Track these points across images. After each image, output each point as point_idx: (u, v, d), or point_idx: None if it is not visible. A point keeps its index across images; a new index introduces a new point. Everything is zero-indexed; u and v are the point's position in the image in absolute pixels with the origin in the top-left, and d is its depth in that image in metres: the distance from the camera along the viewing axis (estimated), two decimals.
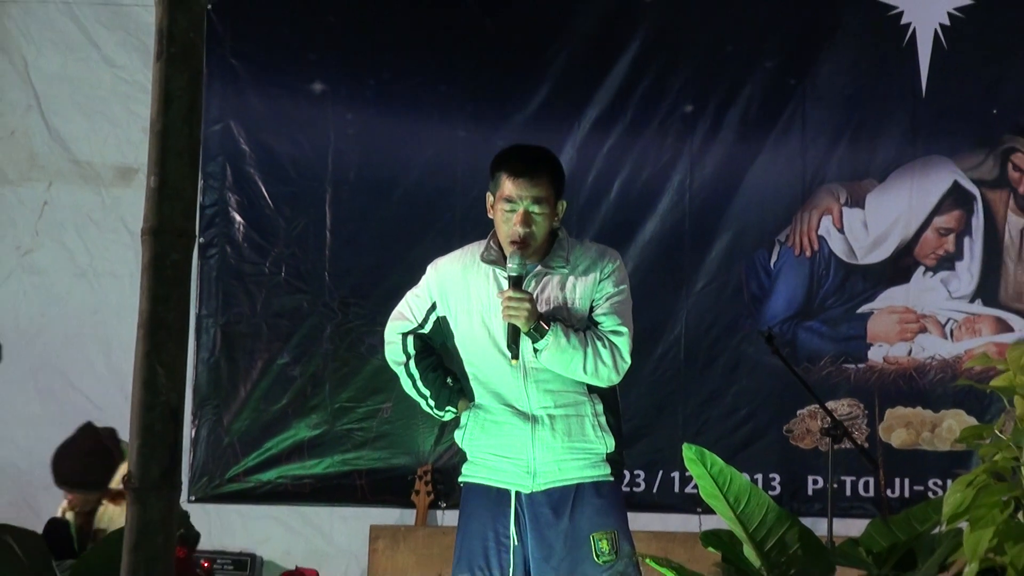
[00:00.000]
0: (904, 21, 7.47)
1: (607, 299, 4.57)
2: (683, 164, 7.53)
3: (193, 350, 7.39)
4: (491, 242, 4.61)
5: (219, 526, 7.42)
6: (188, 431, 7.43)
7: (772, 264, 7.49)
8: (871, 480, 7.31)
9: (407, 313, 4.73)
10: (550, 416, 4.57)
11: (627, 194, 7.53)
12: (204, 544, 6.65)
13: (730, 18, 7.55)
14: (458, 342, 4.66)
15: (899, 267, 7.46)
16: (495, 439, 4.62)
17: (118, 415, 6.32)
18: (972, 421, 7.21)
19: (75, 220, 7.66)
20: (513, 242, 4.51)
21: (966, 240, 7.44)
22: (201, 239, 7.48)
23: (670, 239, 7.50)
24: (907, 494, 7.30)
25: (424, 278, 4.73)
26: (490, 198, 4.60)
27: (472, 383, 4.66)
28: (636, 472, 7.36)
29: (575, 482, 4.59)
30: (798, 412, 7.40)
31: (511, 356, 4.49)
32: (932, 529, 3.58)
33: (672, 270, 7.49)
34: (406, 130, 7.59)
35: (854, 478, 7.34)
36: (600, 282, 4.58)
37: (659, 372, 7.42)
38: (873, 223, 7.48)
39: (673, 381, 7.44)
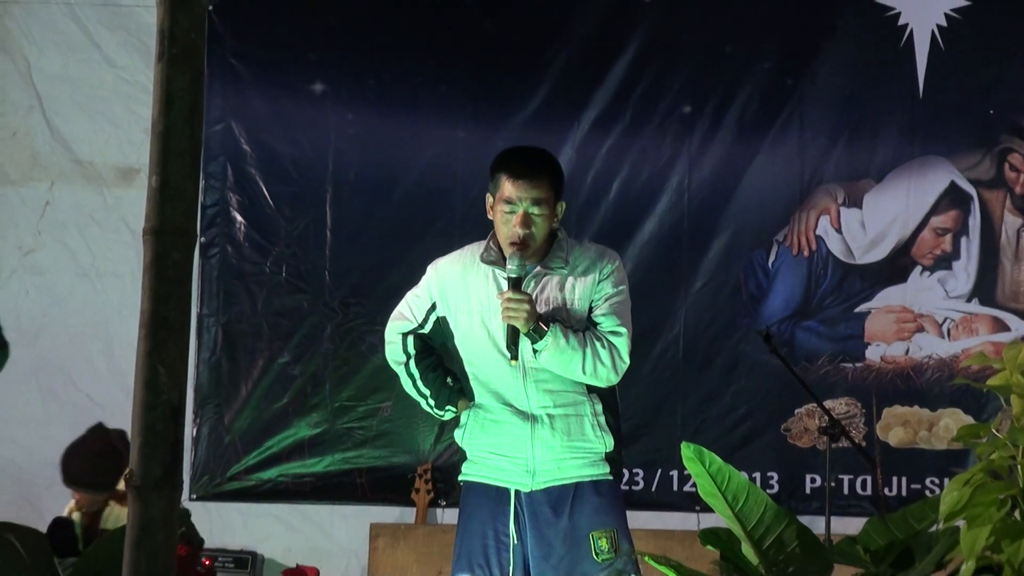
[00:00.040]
0: (901, 22, 7.47)
1: (606, 300, 4.57)
2: (682, 164, 7.53)
3: (194, 349, 7.39)
4: (491, 243, 4.62)
5: (220, 524, 7.42)
6: (189, 430, 7.44)
7: (770, 264, 7.49)
8: (869, 479, 7.31)
9: (407, 313, 4.74)
10: (549, 415, 4.57)
11: (626, 194, 7.53)
12: (205, 543, 6.65)
13: (728, 19, 7.55)
14: (458, 342, 4.67)
15: (896, 267, 7.46)
16: (495, 438, 4.62)
17: (120, 414, 6.32)
18: (969, 420, 7.22)
19: (77, 220, 7.66)
20: (513, 243, 4.51)
21: (963, 240, 7.44)
22: (202, 239, 7.49)
23: (669, 239, 7.51)
24: (904, 492, 7.30)
25: (424, 278, 4.73)
26: (490, 199, 4.60)
27: (472, 383, 4.66)
28: (635, 470, 7.36)
29: (574, 481, 4.59)
30: (796, 411, 7.40)
31: (510, 357, 4.50)
32: (929, 527, 3.58)
33: (671, 270, 7.49)
34: (406, 130, 7.59)
35: (852, 476, 7.34)
36: (599, 283, 4.58)
37: (658, 371, 7.42)
38: (871, 223, 7.48)
39: (672, 380, 7.45)
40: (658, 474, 7.41)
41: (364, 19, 7.64)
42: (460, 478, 4.75)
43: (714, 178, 7.52)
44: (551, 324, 4.47)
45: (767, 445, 7.40)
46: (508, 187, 4.53)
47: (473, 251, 4.67)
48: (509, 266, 4.49)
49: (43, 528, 5.31)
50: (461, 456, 4.76)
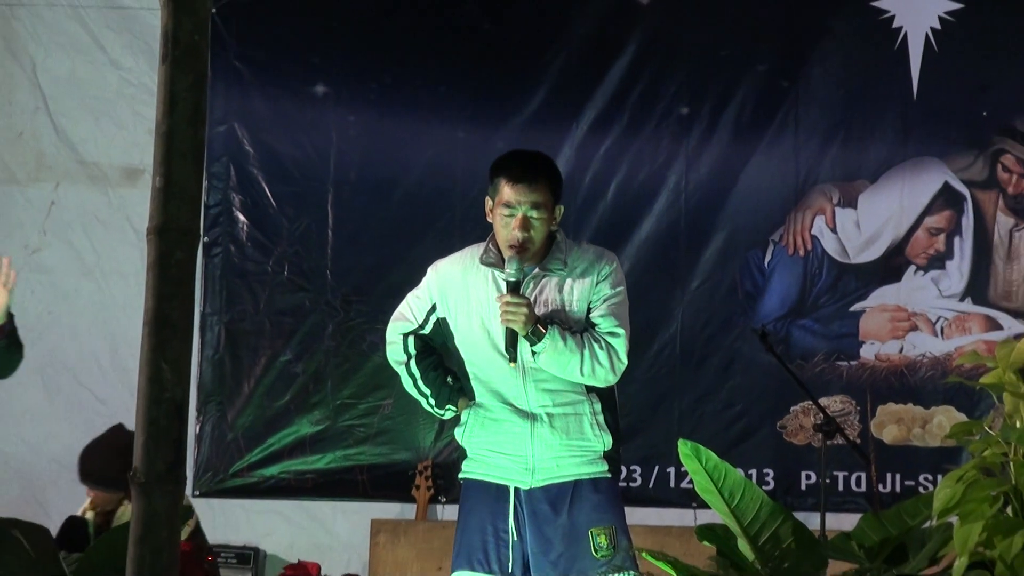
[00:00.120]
0: (895, 25, 7.47)
1: (604, 301, 4.57)
2: (679, 165, 7.53)
3: (197, 347, 7.39)
4: (490, 245, 4.61)
5: (223, 520, 7.42)
6: (193, 427, 7.43)
7: (766, 263, 7.49)
8: (863, 475, 7.32)
9: (408, 314, 4.73)
10: (549, 414, 4.57)
11: (624, 194, 7.53)
12: (208, 539, 6.65)
13: (725, 22, 7.55)
14: (458, 343, 4.66)
15: (891, 266, 7.46)
16: (495, 436, 4.62)
17: (124, 411, 6.32)
18: (962, 417, 7.22)
19: (82, 220, 7.66)
20: (512, 247, 4.51)
21: (956, 240, 7.44)
22: (205, 238, 7.48)
23: (666, 239, 7.51)
24: (898, 489, 7.30)
25: (424, 280, 4.73)
26: (489, 202, 4.59)
27: (472, 382, 4.66)
28: (632, 467, 7.36)
29: (573, 478, 4.59)
30: (791, 408, 7.40)
31: (509, 359, 4.50)
32: (923, 523, 3.59)
33: (668, 269, 7.49)
34: (407, 131, 7.59)
35: (846, 473, 7.34)
36: (597, 284, 4.57)
37: (655, 369, 7.42)
38: (865, 223, 7.48)
39: (669, 378, 7.45)
40: (655, 471, 7.41)
41: (365, 22, 7.64)
42: (460, 476, 4.74)
43: (711, 178, 7.52)
44: (549, 326, 4.47)
45: (763, 442, 7.40)
46: (507, 191, 4.53)
47: (473, 253, 4.66)
48: (507, 270, 4.48)
49: (48, 524, 5.32)
50: (461, 454, 4.76)
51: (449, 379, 4.69)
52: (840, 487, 7.32)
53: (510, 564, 4.56)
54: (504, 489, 4.60)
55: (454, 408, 4.69)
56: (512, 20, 7.64)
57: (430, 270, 4.73)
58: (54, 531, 5.73)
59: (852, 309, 7.46)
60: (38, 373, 7.49)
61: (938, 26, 7.45)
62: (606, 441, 4.59)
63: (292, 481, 7.52)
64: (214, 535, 7.08)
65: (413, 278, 4.82)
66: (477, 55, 7.60)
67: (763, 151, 7.50)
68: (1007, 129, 7.44)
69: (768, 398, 7.39)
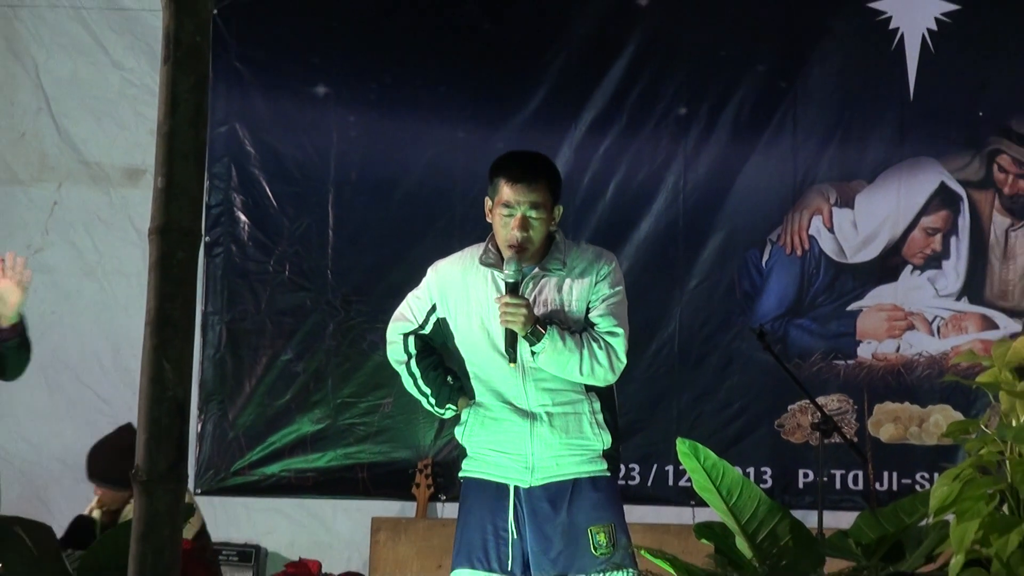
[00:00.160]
0: (892, 26, 7.47)
1: (603, 301, 4.57)
2: (677, 165, 7.53)
3: (199, 346, 7.39)
4: (489, 245, 4.62)
5: (224, 518, 7.42)
6: (194, 425, 7.43)
7: (764, 263, 7.49)
8: (860, 474, 7.32)
9: (408, 314, 4.74)
10: (548, 414, 4.57)
11: (623, 194, 7.53)
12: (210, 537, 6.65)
13: (724, 23, 7.55)
14: (458, 342, 4.67)
15: (887, 266, 7.46)
16: (494, 435, 4.62)
17: (126, 410, 6.32)
18: (958, 416, 7.21)
19: (84, 220, 7.66)
20: (511, 246, 4.51)
21: (953, 239, 7.44)
22: (207, 238, 7.48)
23: (664, 238, 7.51)
24: (895, 487, 7.30)
25: (424, 280, 4.73)
26: (488, 203, 4.60)
27: (472, 381, 4.66)
28: (631, 466, 7.36)
29: (572, 477, 4.59)
30: (789, 407, 7.40)
31: (508, 359, 4.50)
32: (919, 521, 3.59)
33: (666, 268, 7.49)
34: (407, 132, 7.59)
35: (843, 472, 7.34)
36: (596, 284, 4.58)
37: (654, 368, 7.42)
38: (862, 223, 7.48)
39: (667, 377, 7.45)
40: (654, 469, 7.41)
41: (366, 23, 7.65)
42: (460, 474, 4.75)
43: (709, 178, 7.52)
44: (548, 327, 4.47)
45: (761, 441, 7.40)
46: (506, 191, 4.53)
47: (472, 253, 4.66)
48: (506, 271, 4.49)
49: (51, 522, 5.32)
50: (461, 452, 4.76)
51: (449, 378, 4.70)
52: (837, 485, 7.33)
53: (510, 562, 4.56)
54: (504, 487, 4.60)
55: (454, 407, 4.69)
56: (512, 21, 7.65)
57: (430, 270, 4.73)
58: (57, 529, 5.73)
59: (849, 308, 7.46)
60: (40, 372, 7.49)
61: (935, 27, 7.45)
62: (605, 440, 4.60)
63: (293, 479, 7.52)
64: (216, 533, 7.07)
65: (413, 278, 4.82)
66: (477, 56, 7.61)
67: (761, 151, 7.50)
68: (1003, 129, 7.44)
69: (766, 397, 7.40)
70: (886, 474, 7.34)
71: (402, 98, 7.60)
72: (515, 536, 4.57)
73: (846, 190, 7.49)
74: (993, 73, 7.45)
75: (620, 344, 4.53)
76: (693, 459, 3.53)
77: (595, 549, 4.53)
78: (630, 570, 4.48)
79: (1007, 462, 3.25)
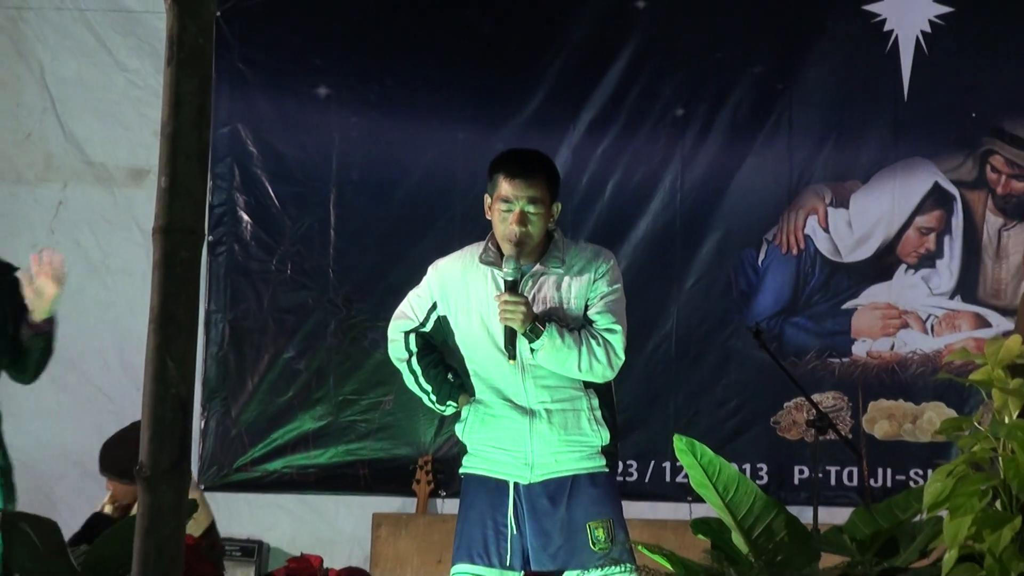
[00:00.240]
0: (887, 28, 7.47)
1: (601, 298, 4.58)
2: (674, 165, 7.53)
3: (202, 344, 7.39)
4: (489, 244, 4.62)
5: (227, 514, 7.41)
6: (198, 422, 7.43)
7: (760, 262, 7.49)
8: (855, 470, 7.32)
9: (409, 312, 4.74)
10: (547, 410, 4.57)
11: (620, 194, 7.53)
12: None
13: (720, 25, 7.55)
14: (458, 340, 4.67)
15: (882, 265, 7.46)
16: (494, 432, 4.62)
17: (130, 407, 6.32)
18: (952, 413, 7.21)
19: (89, 219, 7.66)
20: (510, 241, 4.51)
21: (946, 239, 7.44)
22: (210, 237, 7.47)
23: (662, 238, 7.50)
24: (889, 484, 7.30)
25: (425, 279, 4.73)
26: (488, 199, 4.60)
27: (472, 379, 4.67)
28: (629, 462, 7.36)
29: (571, 473, 4.59)
30: (785, 404, 7.40)
31: (508, 356, 4.50)
32: (913, 517, 3.59)
33: (664, 268, 7.49)
34: (408, 133, 7.59)
35: (838, 468, 7.34)
36: (595, 282, 4.58)
37: (651, 366, 7.42)
38: (857, 222, 7.48)
39: (665, 374, 7.44)
40: (651, 465, 7.41)
41: (367, 25, 7.64)
42: (461, 470, 4.75)
43: (706, 179, 7.52)
44: (547, 324, 4.47)
45: (757, 437, 7.40)
46: (505, 186, 4.54)
47: (472, 252, 4.67)
48: (505, 269, 4.49)
49: (56, 518, 5.32)
50: (461, 449, 4.76)
51: (450, 376, 4.70)
52: (832, 482, 7.33)
53: (509, 557, 4.57)
54: (504, 484, 4.61)
55: (455, 404, 4.70)
56: (511, 23, 7.64)
57: (431, 269, 4.73)
58: (62, 525, 5.73)
59: (844, 307, 7.46)
60: (46, 370, 7.48)
61: (928, 29, 7.45)
62: (604, 436, 4.60)
63: (295, 475, 7.52)
64: (218, 528, 7.07)
65: (414, 277, 4.82)
66: (477, 57, 7.60)
67: (757, 152, 7.50)
68: (996, 130, 7.44)
69: (762, 394, 7.39)
70: (880, 470, 7.34)
71: (403, 99, 7.60)
72: (515, 532, 4.58)
73: (841, 190, 7.49)
74: (986, 75, 7.44)
75: (618, 341, 4.53)
76: (690, 456, 3.53)
77: (594, 544, 4.53)
78: (628, 565, 4.49)
79: (1000, 459, 3.24)
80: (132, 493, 6.24)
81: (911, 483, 7.26)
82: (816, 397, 7.10)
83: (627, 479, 7.29)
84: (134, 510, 6.16)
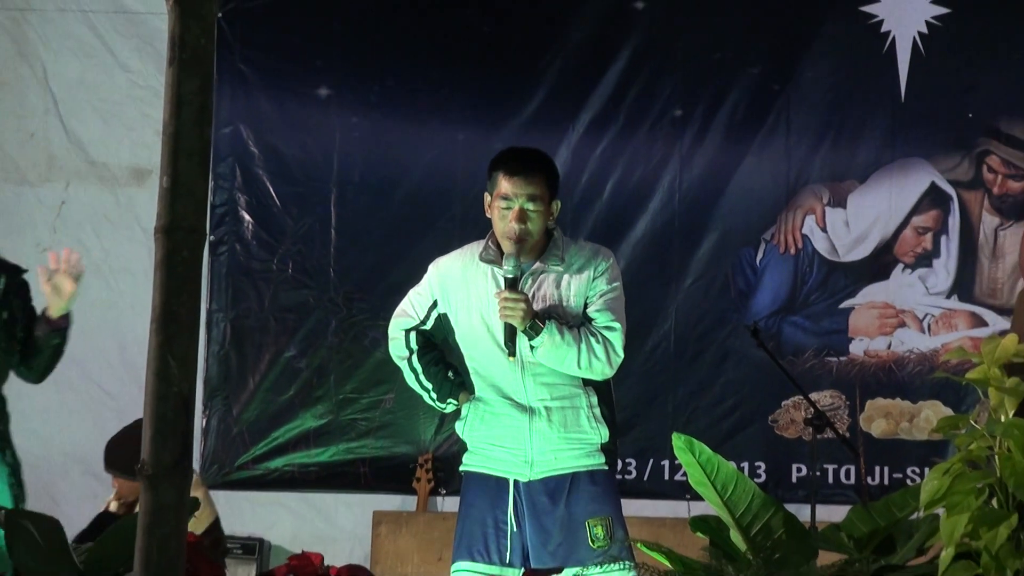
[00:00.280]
0: (884, 29, 7.47)
1: (600, 296, 4.58)
2: (673, 166, 7.52)
3: (204, 343, 7.39)
4: (489, 242, 4.62)
5: (229, 512, 7.40)
6: (199, 421, 7.43)
7: (758, 261, 7.49)
8: (852, 468, 7.31)
9: (410, 310, 4.74)
10: (547, 408, 4.57)
11: (619, 194, 7.53)
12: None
13: (718, 26, 7.55)
14: (459, 338, 4.67)
15: (879, 264, 7.46)
16: (494, 430, 4.62)
17: (133, 405, 6.31)
18: (948, 412, 7.21)
19: (91, 219, 7.66)
20: (509, 238, 4.52)
21: (943, 239, 7.44)
22: (211, 237, 7.47)
23: (660, 237, 7.50)
24: (886, 482, 7.30)
25: (426, 277, 4.73)
26: (488, 197, 4.61)
27: (472, 376, 4.67)
28: (628, 460, 7.36)
29: (571, 471, 4.59)
30: (783, 403, 7.40)
31: (507, 353, 4.50)
32: (910, 515, 3.59)
33: (662, 267, 7.49)
34: (408, 133, 7.59)
35: (836, 466, 7.34)
36: (594, 280, 4.58)
37: (650, 364, 7.42)
38: (854, 222, 7.48)
39: (663, 373, 7.44)
40: (650, 464, 7.41)
41: (367, 26, 7.64)
42: (461, 468, 4.75)
43: (704, 179, 7.51)
44: (547, 321, 4.47)
45: (755, 436, 7.40)
46: (504, 184, 4.54)
47: (473, 250, 4.67)
48: (505, 266, 4.49)
49: (59, 516, 5.31)
50: (461, 447, 4.76)
51: (450, 374, 4.70)
52: (830, 480, 7.32)
53: (509, 554, 4.57)
54: (504, 481, 4.61)
55: (455, 402, 4.70)
56: (511, 24, 7.64)
57: (431, 267, 4.73)
58: (64, 523, 5.73)
59: (842, 306, 7.45)
60: None
61: (925, 31, 7.45)
62: (603, 434, 4.60)
63: (296, 473, 7.52)
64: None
65: (414, 276, 4.82)
66: (477, 58, 7.60)
67: (755, 152, 7.50)
68: (992, 130, 7.44)
69: (760, 393, 7.39)
70: (877, 469, 7.34)
71: (403, 100, 7.59)
72: (515, 529, 4.57)
73: (838, 190, 7.49)
74: (982, 75, 7.44)
75: (617, 339, 4.53)
76: (688, 454, 3.53)
77: (593, 542, 4.53)
78: (627, 563, 4.48)
79: (996, 457, 3.24)
80: (137, 490, 6.22)
81: (908, 481, 7.26)
82: (814, 396, 7.09)
83: (626, 477, 7.29)
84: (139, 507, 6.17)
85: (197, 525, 6.10)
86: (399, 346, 4.75)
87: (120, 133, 7.67)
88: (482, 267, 4.60)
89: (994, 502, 3.23)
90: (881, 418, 7.38)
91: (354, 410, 7.51)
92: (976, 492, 3.20)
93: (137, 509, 6.04)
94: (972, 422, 3.33)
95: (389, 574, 7.17)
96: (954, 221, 7.44)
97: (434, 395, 4.72)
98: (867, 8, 7.47)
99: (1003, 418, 3.29)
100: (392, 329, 4.78)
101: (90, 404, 7.44)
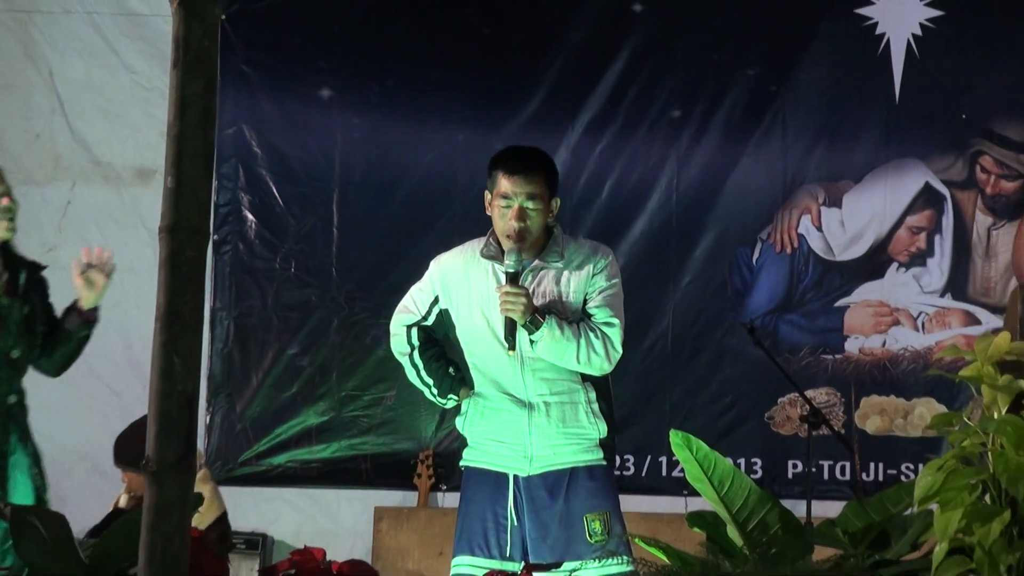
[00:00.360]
0: (879, 31, 7.47)
1: (600, 292, 4.58)
2: (670, 166, 7.52)
3: (207, 341, 7.39)
4: (490, 238, 4.62)
5: (232, 507, 7.39)
6: (203, 418, 7.43)
7: (754, 260, 7.49)
8: (847, 464, 7.32)
9: (411, 306, 4.74)
10: (546, 403, 4.57)
11: (618, 194, 7.53)
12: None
13: (715, 28, 7.55)
14: (459, 333, 4.67)
15: (874, 263, 7.46)
16: (494, 425, 4.62)
17: (137, 403, 6.31)
18: (942, 409, 7.21)
19: (97, 219, 7.66)
20: (509, 236, 4.52)
21: (937, 238, 7.44)
22: (215, 236, 7.48)
23: (658, 237, 7.50)
24: (881, 478, 7.30)
25: (427, 273, 4.73)
26: (488, 196, 4.61)
27: (472, 372, 4.67)
28: (626, 457, 7.36)
29: (569, 466, 4.59)
30: (779, 400, 7.40)
31: (508, 347, 4.50)
32: (904, 511, 3.58)
33: (660, 266, 7.49)
34: (409, 133, 7.59)
35: (831, 463, 7.34)
36: (593, 276, 4.58)
37: (648, 362, 7.42)
38: (849, 222, 7.48)
39: (661, 371, 7.44)
40: (648, 460, 7.41)
41: (369, 29, 7.64)
42: (461, 463, 4.75)
43: (701, 179, 7.51)
44: (547, 316, 4.47)
45: (751, 432, 7.40)
46: (504, 183, 4.54)
47: (474, 246, 4.67)
48: (507, 261, 4.49)
49: (64, 512, 5.31)
50: (462, 442, 4.76)
51: (451, 369, 4.70)
52: (825, 476, 7.32)
53: (509, 548, 4.56)
54: (503, 476, 4.61)
55: (455, 397, 4.70)
56: (511, 25, 7.64)
57: (432, 263, 4.74)
58: (70, 519, 5.73)
59: (837, 305, 7.46)
60: None
61: (919, 33, 7.45)
62: (601, 429, 4.60)
63: (298, 470, 7.52)
64: None
65: (414, 275, 4.82)
66: (477, 59, 7.60)
67: (752, 152, 7.50)
68: (985, 131, 7.44)
69: (756, 390, 7.39)
70: (872, 465, 7.34)
71: (404, 101, 7.59)
72: (515, 523, 4.57)
73: (834, 190, 7.49)
74: (976, 77, 7.45)
75: (616, 334, 4.54)
76: (686, 450, 3.52)
77: (591, 536, 4.53)
78: (625, 557, 4.48)
79: (989, 453, 3.24)
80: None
81: (902, 477, 7.26)
82: (809, 393, 7.09)
83: (624, 473, 7.29)
84: None
85: (203, 519, 6.10)
86: (401, 342, 4.75)
87: (125, 134, 7.67)
88: (483, 263, 4.60)
89: (987, 498, 3.23)
90: (876, 415, 7.38)
91: (356, 407, 7.51)
92: (969, 488, 3.20)
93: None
94: (965, 419, 3.33)
95: (390, 569, 7.17)
96: (948, 221, 7.44)
97: (435, 391, 4.72)
98: (862, 11, 7.47)
99: (996, 415, 3.29)
100: (394, 325, 4.78)
101: (96, 401, 7.44)
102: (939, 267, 7.43)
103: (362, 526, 7.39)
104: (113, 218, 7.65)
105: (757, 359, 6.99)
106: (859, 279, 7.46)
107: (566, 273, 4.58)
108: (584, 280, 4.57)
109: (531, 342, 4.49)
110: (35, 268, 5.25)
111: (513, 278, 4.48)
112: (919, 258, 7.44)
